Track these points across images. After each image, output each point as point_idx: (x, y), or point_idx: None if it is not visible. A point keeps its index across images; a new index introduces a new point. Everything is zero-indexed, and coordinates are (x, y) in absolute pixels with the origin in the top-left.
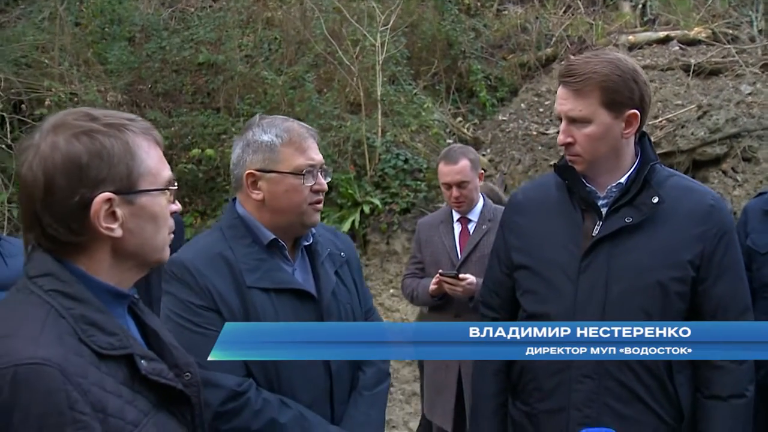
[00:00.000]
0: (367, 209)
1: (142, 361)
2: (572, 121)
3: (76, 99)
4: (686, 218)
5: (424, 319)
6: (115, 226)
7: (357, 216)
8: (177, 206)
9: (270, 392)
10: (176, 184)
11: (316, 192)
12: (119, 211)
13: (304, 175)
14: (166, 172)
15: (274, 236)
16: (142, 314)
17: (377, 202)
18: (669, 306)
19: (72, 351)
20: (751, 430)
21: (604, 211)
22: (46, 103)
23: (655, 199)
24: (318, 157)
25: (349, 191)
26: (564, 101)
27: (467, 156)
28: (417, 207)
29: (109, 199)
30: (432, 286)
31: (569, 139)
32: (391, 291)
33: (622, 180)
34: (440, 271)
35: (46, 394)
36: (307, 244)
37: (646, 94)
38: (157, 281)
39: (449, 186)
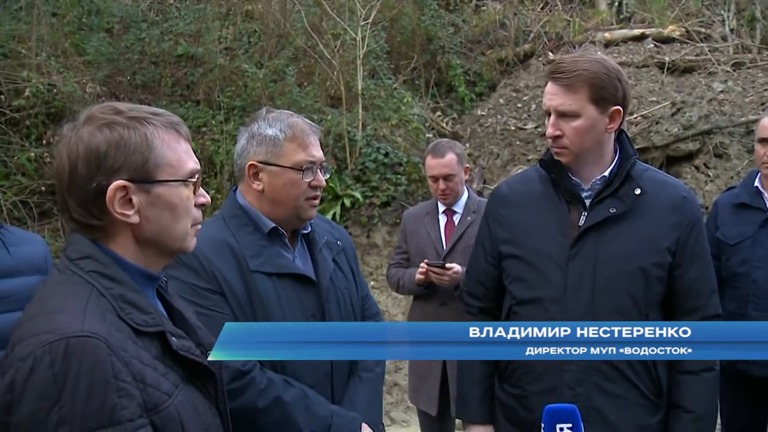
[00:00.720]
0: (347, 202)
1: (173, 339)
2: (561, 115)
3: (54, 90)
4: (663, 209)
5: (412, 307)
6: (131, 212)
7: (338, 209)
8: (206, 199)
9: (275, 373)
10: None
11: (314, 188)
12: (135, 199)
13: (303, 170)
14: (190, 165)
15: (274, 225)
16: (168, 297)
17: (358, 195)
18: (650, 289)
19: (113, 327)
20: (718, 397)
21: (588, 202)
22: (25, 93)
23: (638, 191)
24: (319, 154)
25: (330, 184)
26: (554, 96)
27: (454, 150)
28: (397, 200)
29: (124, 187)
30: (418, 276)
31: (558, 132)
32: (372, 284)
33: (606, 173)
34: (426, 261)
35: (93, 364)
36: (306, 232)
37: (628, 92)
38: None
39: (436, 179)
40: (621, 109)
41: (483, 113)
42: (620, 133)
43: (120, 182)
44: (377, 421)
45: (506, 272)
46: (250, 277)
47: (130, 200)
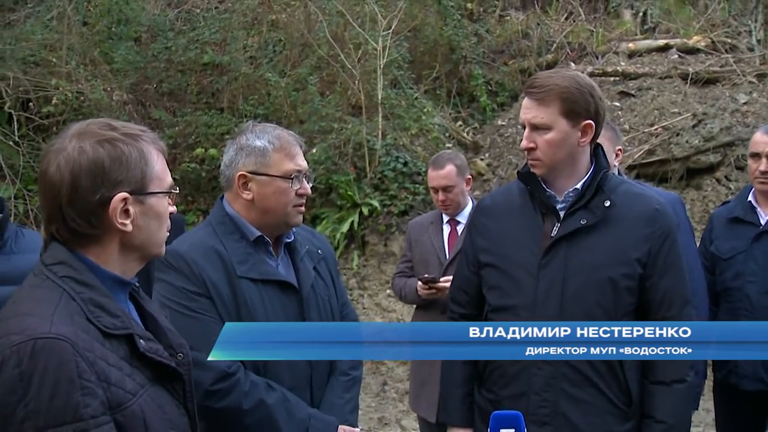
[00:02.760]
0: (365, 211)
1: (141, 341)
2: (534, 128)
3: (82, 98)
4: (634, 221)
5: (414, 316)
6: (127, 222)
7: (356, 217)
8: (173, 208)
9: (257, 376)
10: (177, 186)
11: (300, 195)
12: (132, 209)
13: (292, 179)
14: (169, 178)
15: (260, 233)
16: (142, 300)
17: (376, 203)
18: (619, 299)
19: (81, 328)
20: (690, 411)
21: (562, 213)
22: (54, 101)
23: (607, 203)
24: (304, 163)
25: (349, 193)
26: (528, 110)
27: (453, 162)
28: (415, 209)
29: (125, 198)
30: (422, 292)
31: (531, 145)
32: (388, 291)
33: (578, 186)
34: (419, 277)
35: (59, 364)
36: (289, 241)
37: (601, 107)
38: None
39: (436, 190)
40: (593, 123)
41: (503, 123)
42: (596, 147)
43: (123, 194)
44: (353, 423)
45: (484, 280)
46: (237, 282)
47: (127, 210)
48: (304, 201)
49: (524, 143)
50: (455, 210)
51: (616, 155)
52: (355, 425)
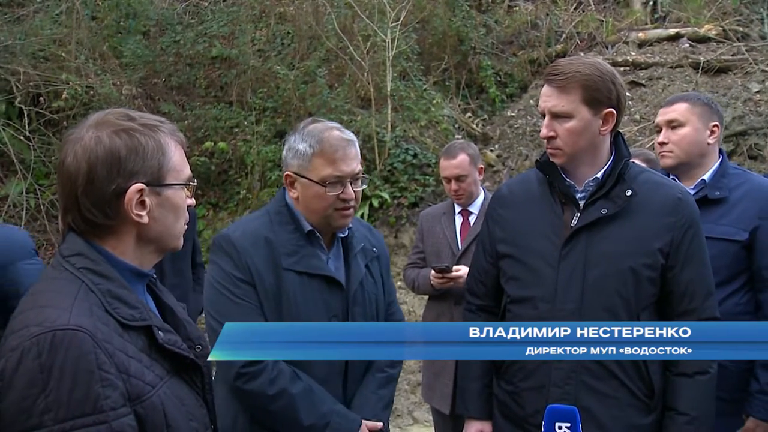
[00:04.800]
0: (376, 203)
1: (160, 332)
2: (555, 116)
3: (92, 92)
4: (657, 210)
5: (427, 307)
6: (143, 213)
7: (366, 209)
8: (192, 201)
9: (285, 364)
10: (194, 180)
11: (344, 200)
12: (148, 201)
13: (327, 185)
14: (187, 170)
15: (311, 227)
16: (159, 293)
17: (386, 195)
18: (641, 290)
19: (100, 320)
20: (714, 403)
21: (581, 203)
22: (63, 95)
23: (629, 192)
24: (348, 168)
25: None
26: (548, 98)
27: (466, 151)
28: (425, 201)
29: (140, 190)
30: (434, 282)
31: (551, 133)
32: (399, 283)
33: (599, 174)
34: (432, 266)
35: (78, 356)
36: (343, 236)
37: (622, 95)
38: (170, 270)
39: (449, 180)
40: (614, 111)
41: (513, 114)
42: (616, 135)
43: (139, 185)
44: (384, 420)
45: (502, 271)
46: (282, 273)
47: (143, 202)
48: (350, 205)
49: (544, 132)
50: (468, 200)
51: (712, 132)
52: (385, 422)
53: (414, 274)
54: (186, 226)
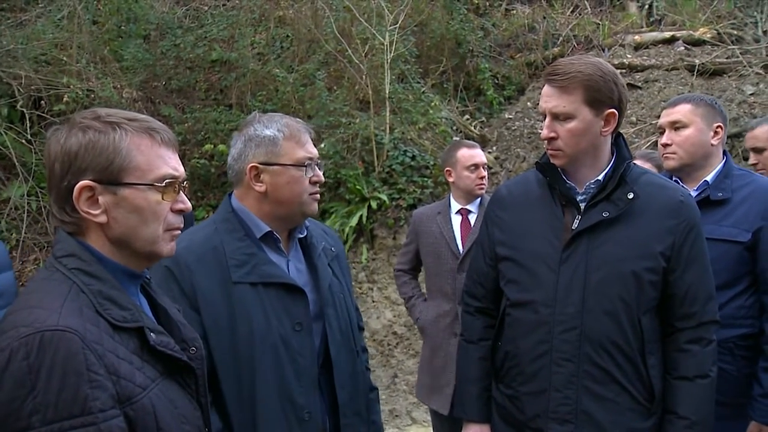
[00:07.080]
0: (374, 205)
1: (152, 334)
2: (556, 117)
3: (93, 95)
4: (658, 213)
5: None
6: (97, 212)
7: (364, 211)
8: (184, 205)
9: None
10: (186, 181)
11: (314, 183)
12: (102, 199)
13: (305, 167)
14: (162, 170)
15: (269, 229)
16: (153, 294)
17: (384, 197)
18: (642, 294)
19: (90, 321)
20: (713, 406)
21: (582, 205)
22: (65, 99)
23: (631, 195)
24: (314, 151)
25: (357, 187)
26: (549, 98)
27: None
28: (423, 203)
29: (90, 187)
30: None
31: (552, 134)
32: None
33: (600, 177)
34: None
35: (67, 356)
36: (302, 236)
37: (624, 95)
38: None
39: (477, 166)
40: (616, 111)
41: (510, 116)
42: (617, 137)
43: (85, 182)
44: None
45: (501, 274)
46: (233, 289)
47: (97, 200)
48: (319, 189)
49: (545, 133)
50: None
51: (715, 133)
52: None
53: (419, 306)
54: (177, 232)
